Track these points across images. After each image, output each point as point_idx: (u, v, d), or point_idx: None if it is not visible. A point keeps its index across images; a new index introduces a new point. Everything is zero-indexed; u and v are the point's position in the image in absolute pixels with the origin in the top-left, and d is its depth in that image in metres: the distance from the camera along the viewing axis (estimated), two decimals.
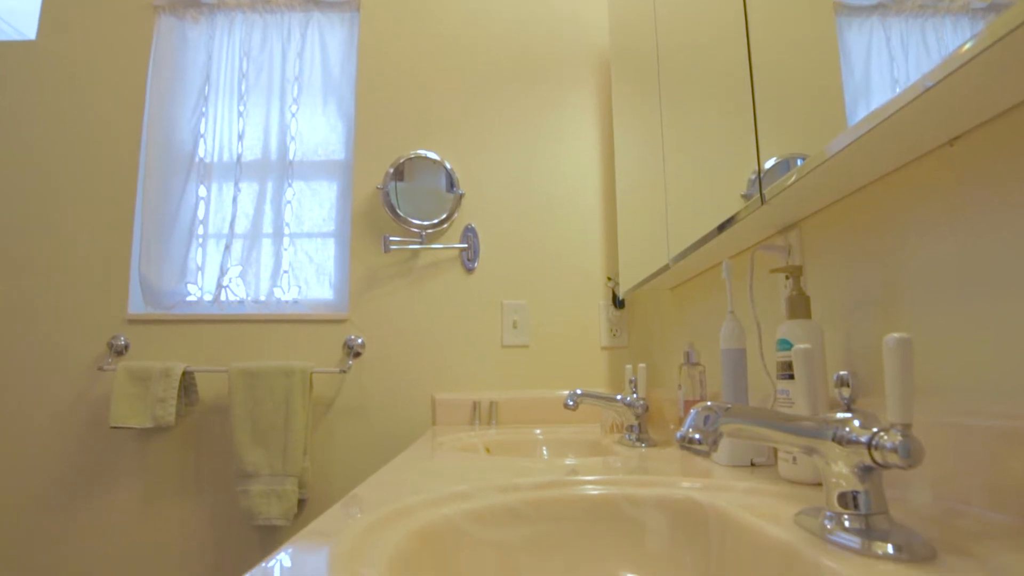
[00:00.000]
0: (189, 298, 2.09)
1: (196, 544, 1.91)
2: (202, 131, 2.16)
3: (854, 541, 0.47)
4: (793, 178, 0.76)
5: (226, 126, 2.16)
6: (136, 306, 2.05)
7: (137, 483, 1.93)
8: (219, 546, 1.91)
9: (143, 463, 1.94)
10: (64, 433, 1.96)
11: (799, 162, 0.74)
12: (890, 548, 0.45)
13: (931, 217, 0.68)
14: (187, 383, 1.93)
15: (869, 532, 0.47)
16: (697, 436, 0.49)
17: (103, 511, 1.92)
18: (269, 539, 1.92)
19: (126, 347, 2.00)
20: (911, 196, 0.71)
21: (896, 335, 0.45)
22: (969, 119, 0.59)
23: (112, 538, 1.91)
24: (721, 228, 1.02)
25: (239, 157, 2.14)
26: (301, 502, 1.90)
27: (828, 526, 0.50)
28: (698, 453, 0.50)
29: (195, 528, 1.92)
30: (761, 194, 0.85)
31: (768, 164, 0.84)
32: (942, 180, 0.66)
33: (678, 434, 0.50)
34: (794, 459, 0.77)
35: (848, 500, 0.49)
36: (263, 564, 0.46)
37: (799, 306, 0.82)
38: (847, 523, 0.49)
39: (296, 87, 2.19)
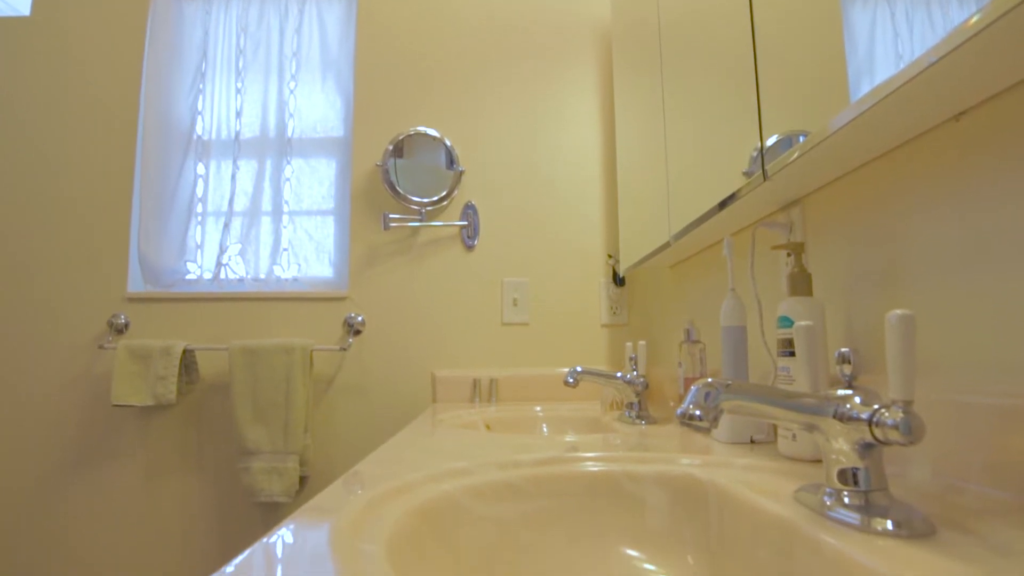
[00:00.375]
0: (189, 276, 2.09)
1: (198, 521, 1.92)
2: (200, 108, 2.14)
3: (853, 517, 0.47)
4: (796, 154, 0.75)
5: (224, 103, 2.15)
6: (135, 284, 2.05)
7: (139, 461, 1.95)
8: (221, 523, 1.92)
9: (144, 441, 1.95)
10: (65, 411, 1.97)
11: (801, 139, 0.74)
12: (889, 524, 0.45)
13: (935, 193, 0.68)
14: (187, 361, 1.93)
15: (868, 508, 0.47)
16: (698, 412, 0.49)
17: (105, 489, 1.93)
18: (271, 516, 1.93)
19: (126, 325, 2.00)
20: (916, 172, 0.71)
21: (899, 311, 0.45)
22: (976, 93, 0.59)
23: (114, 516, 1.92)
24: (722, 205, 1.01)
25: (237, 134, 2.13)
26: (302, 479, 1.92)
27: (828, 502, 0.50)
28: (698, 429, 0.50)
29: (197, 505, 1.93)
30: (763, 170, 0.84)
31: (770, 141, 0.83)
32: (947, 156, 0.66)
33: (679, 410, 0.50)
34: (794, 436, 0.77)
35: (848, 477, 0.49)
36: (264, 540, 0.46)
37: (800, 283, 0.82)
38: (847, 499, 0.49)
39: (294, 63, 2.17)
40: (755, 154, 0.88)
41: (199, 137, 2.13)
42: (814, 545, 0.46)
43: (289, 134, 2.14)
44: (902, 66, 0.54)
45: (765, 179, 0.84)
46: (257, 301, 2.03)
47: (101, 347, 1.93)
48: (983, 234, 0.61)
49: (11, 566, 1.91)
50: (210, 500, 1.93)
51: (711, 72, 1.06)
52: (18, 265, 2.03)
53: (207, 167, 2.13)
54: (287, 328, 2.01)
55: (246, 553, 0.43)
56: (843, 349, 0.52)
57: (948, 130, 0.65)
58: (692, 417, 0.49)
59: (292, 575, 0.39)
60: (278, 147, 2.12)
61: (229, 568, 0.40)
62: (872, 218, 0.79)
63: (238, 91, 2.15)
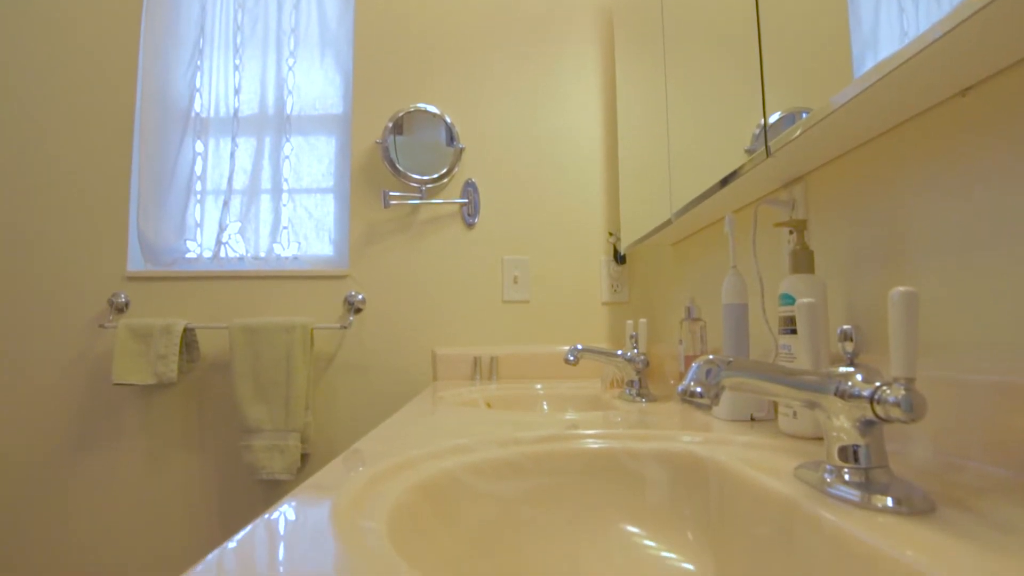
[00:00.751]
0: (188, 255, 2.08)
1: (200, 499, 1.94)
2: (198, 85, 2.12)
3: (854, 494, 0.47)
4: (799, 131, 0.74)
5: (222, 80, 2.13)
6: (135, 263, 2.05)
7: (141, 439, 1.95)
8: (223, 500, 1.94)
9: (146, 419, 1.96)
10: (67, 391, 1.97)
11: (804, 116, 0.73)
12: (889, 501, 0.45)
13: (940, 170, 0.67)
14: (188, 340, 1.93)
15: (869, 485, 0.47)
16: (699, 389, 0.49)
17: (108, 468, 1.94)
18: (273, 493, 1.94)
19: (126, 304, 1.99)
20: (921, 148, 0.70)
21: (902, 288, 0.45)
22: (984, 68, 0.58)
23: (117, 494, 1.93)
24: (724, 182, 1.00)
25: (236, 112, 2.11)
26: (304, 457, 1.93)
27: (828, 479, 0.50)
28: (699, 406, 0.49)
29: (199, 483, 1.94)
30: (766, 146, 0.84)
31: (772, 118, 0.82)
32: (953, 132, 0.65)
33: (680, 387, 0.50)
34: (794, 413, 0.77)
35: (848, 454, 0.49)
36: (266, 516, 0.46)
37: (803, 260, 0.81)
38: (847, 476, 0.49)
39: (292, 40, 2.15)
40: (757, 131, 0.87)
41: (197, 114, 2.11)
42: (814, 522, 0.46)
43: (288, 111, 2.12)
44: (907, 41, 0.54)
45: (768, 155, 0.84)
46: (257, 279, 2.02)
47: (102, 326, 1.93)
48: (989, 212, 0.60)
49: (15, 545, 1.92)
50: (212, 478, 1.94)
51: (714, 48, 1.05)
52: (17, 246, 2.02)
53: (206, 145, 2.11)
54: (287, 306, 2.01)
55: (247, 529, 0.43)
56: (845, 326, 0.51)
57: (954, 106, 0.64)
58: (693, 394, 0.49)
59: (294, 551, 0.40)
60: (277, 124, 2.11)
61: (231, 544, 0.40)
62: (876, 195, 0.78)
63: (236, 68, 2.13)
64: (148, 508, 1.93)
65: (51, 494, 1.94)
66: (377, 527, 0.45)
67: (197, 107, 2.11)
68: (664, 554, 0.65)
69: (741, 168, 0.93)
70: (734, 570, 0.58)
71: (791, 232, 0.96)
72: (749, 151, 0.90)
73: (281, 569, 0.37)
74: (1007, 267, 0.58)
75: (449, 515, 0.61)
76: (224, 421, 1.96)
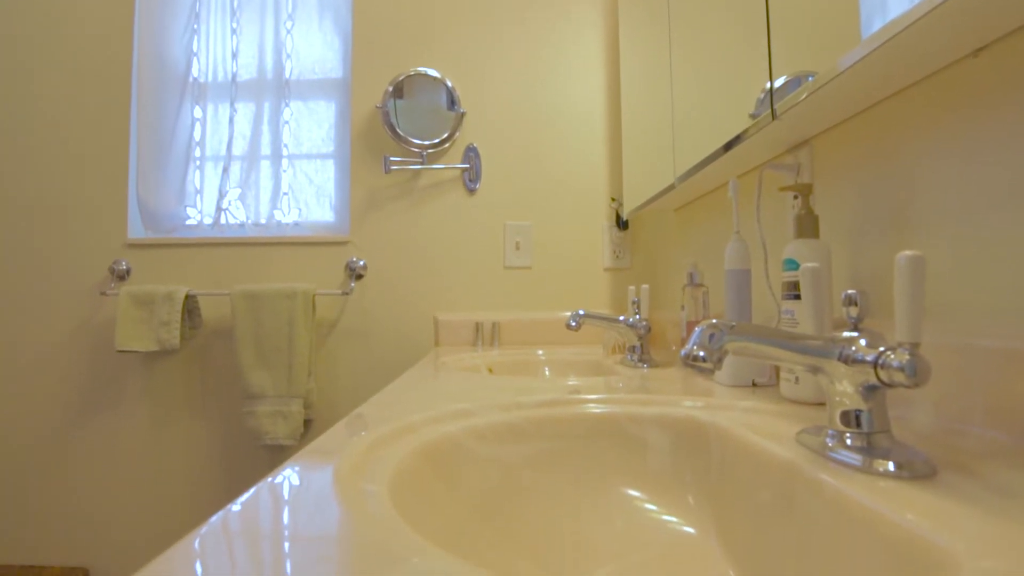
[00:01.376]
0: (189, 221, 2.07)
1: (204, 465, 1.95)
2: (195, 49, 2.09)
3: (855, 459, 0.47)
4: (805, 94, 0.73)
5: (219, 44, 2.10)
6: (136, 230, 2.04)
7: (144, 406, 1.97)
8: (227, 466, 1.96)
9: (149, 386, 1.97)
10: (70, 358, 1.98)
11: (811, 79, 0.72)
12: (891, 465, 0.45)
13: (949, 133, 0.66)
14: (190, 306, 1.94)
15: (871, 450, 0.47)
16: (701, 354, 0.49)
17: (112, 434, 1.96)
18: (276, 458, 1.96)
19: (128, 271, 1.99)
20: (930, 111, 0.69)
21: (908, 252, 0.44)
22: (997, 27, 0.56)
23: (121, 460, 1.95)
24: (728, 146, 0.99)
25: (234, 76, 2.08)
26: (307, 422, 1.94)
27: (830, 444, 0.50)
28: (702, 371, 0.49)
29: (203, 449, 1.96)
30: (772, 109, 0.82)
31: (778, 83, 0.81)
32: (964, 94, 0.64)
33: (683, 351, 0.50)
34: (796, 379, 0.77)
35: (851, 418, 0.49)
36: (269, 479, 0.46)
37: (807, 225, 0.81)
38: (849, 441, 0.49)
39: (291, 1, 2.11)
40: (762, 96, 0.86)
41: (195, 79, 2.09)
42: (815, 486, 0.46)
43: (287, 76, 2.10)
44: (917, 1, 0.52)
45: (774, 118, 0.83)
46: (258, 246, 2.02)
47: (103, 294, 1.93)
48: (996, 177, 0.60)
49: (20, 514, 1.95)
50: (215, 443, 1.96)
51: (719, 11, 1.03)
52: (17, 214, 2.01)
53: (204, 110, 2.09)
54: (289, 273, 2.01)
55: (251, 492, 0.43)
56: (850, 291, 0.51)
57: (965, 67, 0.63)
58: (696, 358, 0.49)
59: (297, 514, 0.40)
60: (276, 89, 2.08)
61: (235, 506, 0.40)
62: (883, 159, 0.77)
63: (234, 31, 2.09)
64: (152, 474, 1.95)
65: (55, 461, 1.96)
66: (379, 491, 0.45)
67: (195, 72, 2.09)
68: (665, 518, 0.66)
69: (746, 132, 0.92)
70: (735, 534, 0.58)
71: (796, 196, 0.95)
72: (754, 115, 0.89)
73: (285, 532, 0.37)
74: (1014, 233, 0.57)
75: (451, 479, 0.61)
76: (227, 387, 1.97)
